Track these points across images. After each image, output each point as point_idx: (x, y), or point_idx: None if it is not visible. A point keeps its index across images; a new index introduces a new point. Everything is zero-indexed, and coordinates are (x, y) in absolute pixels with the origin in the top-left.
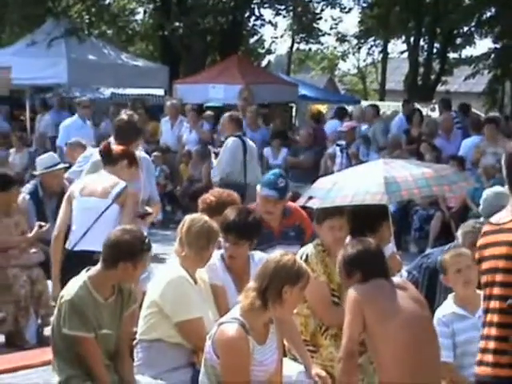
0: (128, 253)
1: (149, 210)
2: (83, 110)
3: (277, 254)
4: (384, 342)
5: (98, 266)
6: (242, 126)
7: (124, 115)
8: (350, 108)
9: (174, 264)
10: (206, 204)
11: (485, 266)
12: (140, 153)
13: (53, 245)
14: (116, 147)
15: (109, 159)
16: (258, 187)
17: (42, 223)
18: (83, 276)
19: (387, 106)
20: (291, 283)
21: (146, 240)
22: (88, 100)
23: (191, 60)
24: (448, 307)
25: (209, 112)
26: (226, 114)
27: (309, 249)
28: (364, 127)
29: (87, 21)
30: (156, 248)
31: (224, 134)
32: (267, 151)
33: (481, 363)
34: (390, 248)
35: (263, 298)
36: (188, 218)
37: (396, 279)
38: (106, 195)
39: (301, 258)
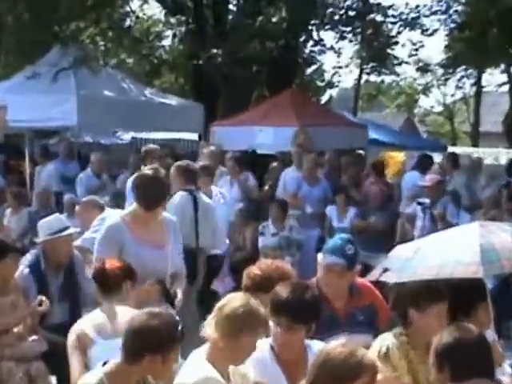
0: (156, 342)
1: (178, 293)
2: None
3: (333, 344)
4: None
5: (118, 360)
6: (194, 179)
7: (148, 170)
8: (435, 156)
9: (201, 356)
10: (249, 279)
11: None
12: (166, 214)
13: None
14: (110, 266)
15: (109, 287)
16: (320, 256)
17: (43, 298)
18: (98, 372)
19: (482, 153)
20: (340, 382)
21: (180, 326)
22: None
23: (232, 96)
24: None
25: (275, 164)
26: (175, 164)
27: (389, 340)
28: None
29: (102, 47)
30: None
31: (173, 188)
32: (331, 211)
33: None
34: (489, 336)
35: None
36: (228, 297)
37: (505, 380)
38: None
39: (379, 351)
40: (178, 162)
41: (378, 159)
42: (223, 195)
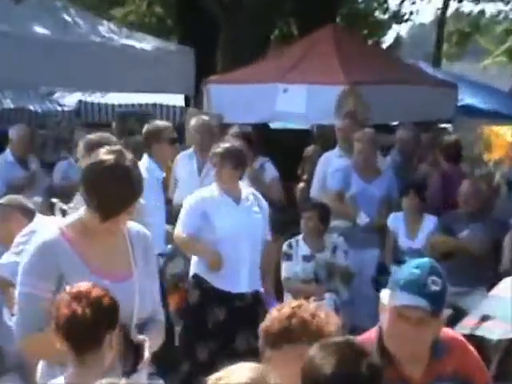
0: None
1: (146, 350)
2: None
3: None
4: None
5: None
6: None
7: (106, 155)
8: None
9: None
10: (265, 330)
11: None
12: (133, 224)
13: None
14: (88, 308)
15: (85, 342)
16: (385, 293)
17: None
18: None
19: None
20: None
21: None
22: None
23: (238, 36)
24: None
25: (312, 147)
26: (83, 139)
27: None
28: None
29: None
30: None
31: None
32: (396, 221)
33: None
34: None
35: None
36: (239, 365)
37: None
38: None
39: None
40: (89, 136)
41: (453, 138)
42: (258, 200)
